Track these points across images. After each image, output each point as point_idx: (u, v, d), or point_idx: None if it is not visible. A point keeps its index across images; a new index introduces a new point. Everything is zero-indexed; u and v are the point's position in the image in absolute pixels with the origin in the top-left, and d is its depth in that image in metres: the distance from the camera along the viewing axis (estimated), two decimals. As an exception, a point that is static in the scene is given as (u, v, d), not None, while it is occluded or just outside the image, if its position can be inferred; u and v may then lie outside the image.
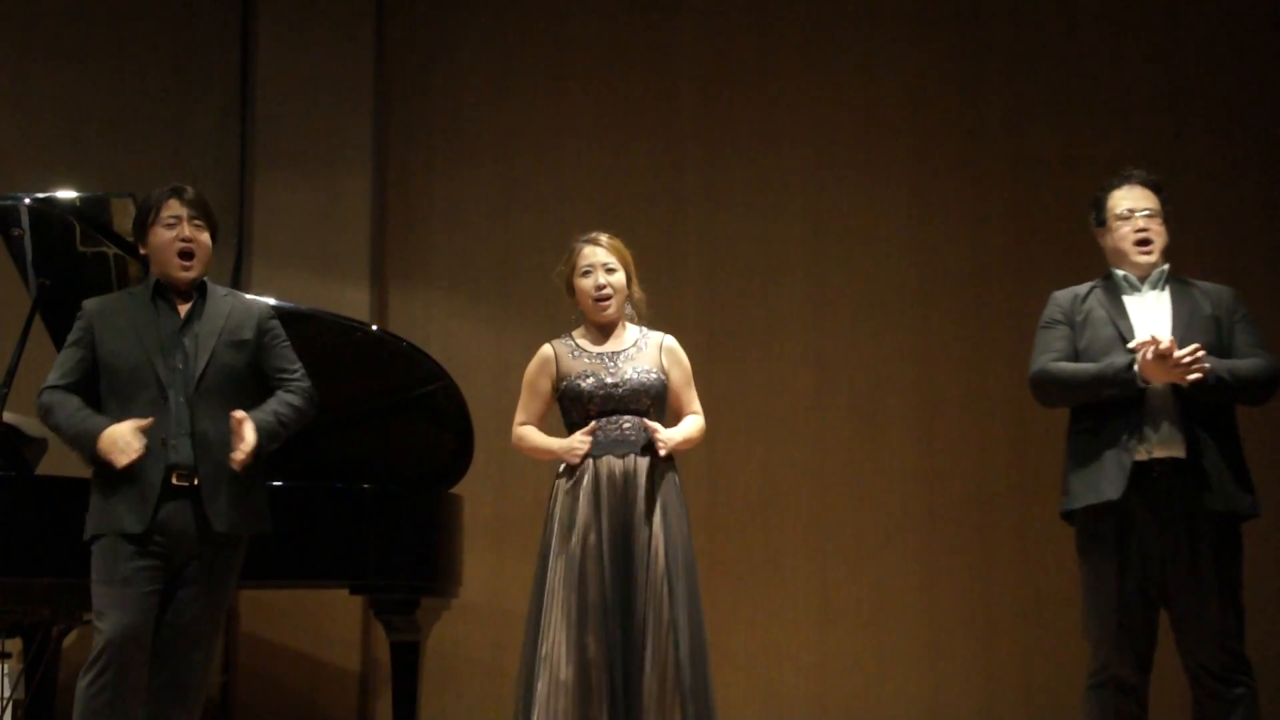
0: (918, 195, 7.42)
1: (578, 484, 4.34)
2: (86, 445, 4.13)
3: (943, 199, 7.41)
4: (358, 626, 6.87)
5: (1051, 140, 7.42)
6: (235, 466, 4.13)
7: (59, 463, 5.50)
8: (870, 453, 7.25)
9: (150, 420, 4.10)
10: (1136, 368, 4.17)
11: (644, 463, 4.34)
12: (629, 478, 4.32)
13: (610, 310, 4.48)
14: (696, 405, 4.55)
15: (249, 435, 4.13)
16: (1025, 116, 7.44)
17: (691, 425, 4.50)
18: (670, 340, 4.55)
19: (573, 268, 4.50)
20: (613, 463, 4.33)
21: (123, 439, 4.06)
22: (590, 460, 4.34)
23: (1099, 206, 4.54)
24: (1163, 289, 4.41)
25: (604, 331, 4.51)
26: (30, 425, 5.51)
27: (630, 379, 4.39)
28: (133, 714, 4.09)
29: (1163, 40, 7.47)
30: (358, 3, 7.39)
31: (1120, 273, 4.46)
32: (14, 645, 5.84)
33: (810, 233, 7.41)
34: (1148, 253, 4.40)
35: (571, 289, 4.53)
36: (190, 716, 4.23)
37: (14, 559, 4.70)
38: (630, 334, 4.52)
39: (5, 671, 5.90)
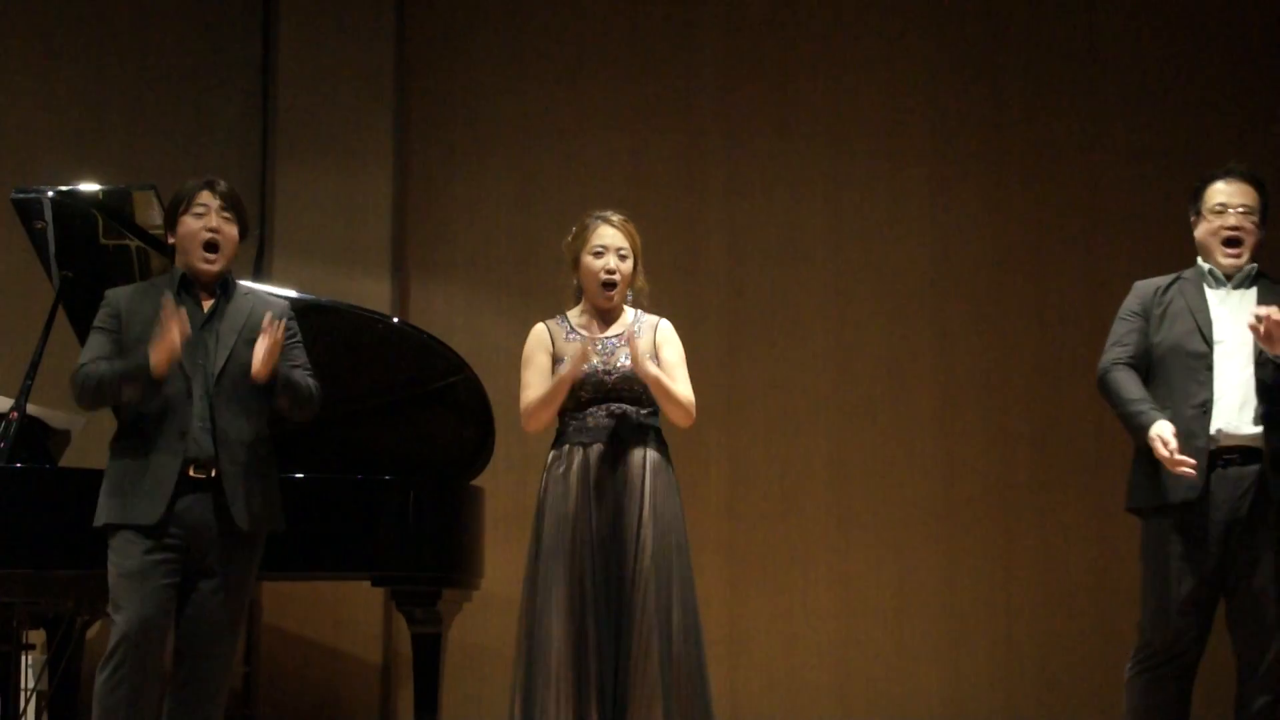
0: (937, 185, 7.40)
1: (568, 471, 4.27)
2: (139, 368, 4.09)
3: (962, 189, 7.39)
4: (379, 618, 6.88)
5: (1070, 130, 7.40)
6: (257, 364, 4.12)
7: (82, 455, 5.52)
8: (891, 443, 7.23)
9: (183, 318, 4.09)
10: (1150, 436, 4.16)
11: (636, 451, 4.29)
12: (619, 465, 4.27)
13: (615, 298, 4.41)
14: (686, 387, 4.38)
15: (279, 334, 4.14)
16: (1044, 106, 7.42)
17: (676, 383, 4.34)
18: (665, 323, 4.46)
19: (583, 243, 4.41)
20: (603, 450, 4.28)
21: (163, 327, 4.04)
22: (581, 447, 4.29)
23: (1196, 196, 4.43)
24: (1249, 287, 4.34)
25: (602, 315, 4.43)
26: (54, 417, 5.53)
27: (622, 366, 4.30)
28: (151, 707, 4.09)
29: (1181, 29, 7.44)
30: (378, -6, 7.41)
31: (1206, 266, 4.39)
32: (38, 637, 5.86)
33: (831, 223, 7.39)
34: (1235, 255, 4.33)
35: (577, 264, 4.45)
36: (214, 711, 4.23)
37: (38, 551, 4.71)
38: (627, 319, 4.43)
39: (29, 663, 5.91)
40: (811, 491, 7.22)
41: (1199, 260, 4.43)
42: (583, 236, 4.43)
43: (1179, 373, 4.28)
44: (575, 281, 4.47)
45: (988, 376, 7.26)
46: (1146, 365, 4.36)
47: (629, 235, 4.42)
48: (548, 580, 4.22)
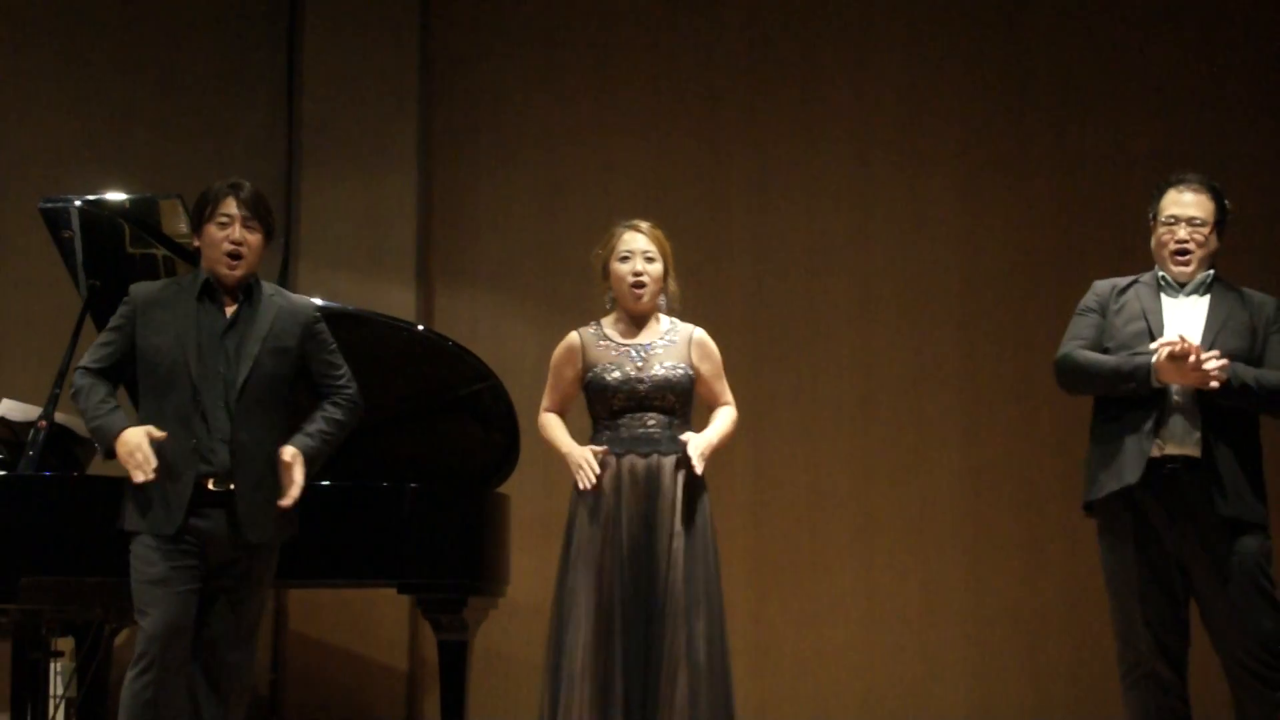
0: (963, 191, 7.38)
1: (600, 481, 4.28)
2: (104, 442, 4.15)
3: (988, 195, 7.38)
4: (406, 625, 6.89)
5: (1096, 136, 7.37)
6: (285, 505, 4.17)
7: (110, 463, 5.53)
8: (917, 450, 7.22)
9: (164, 435, 4.08)
10: (1154, 362, 4.13)
11: (668, 461, 4.29)
12: (651, 477, 4.28)
13: (644, 300, 4.42)
14: (728, 396, 4.49)
15: (298, 477, 4.17)
16: (1070, 112, 7.40)
17: (724, 421, 4.43)
18: (700, 333, 4.48)
19: (611, 251, 4.45)
20: (635, 461, 4.29)
21: (139, 452, 4.04)
22: (614, 457, 4.30)
23: (1154, 202, 4.47)
24: (1203, 294, 4.35)
25: (635, 322, 4.45)
26: (81, 426, 5.55)
27: (656, 374, 4.33)
28: (177, 711, 4.10)
29: (1205, 36, 7.41)
30: (403, 2, 7.41)
31: (1161, 273, 4.41)
32: (66, 644, 5.89)
33: (856, 228, 7.39)
34: (1183, 264, 4.35)
35: (607, 272, 4.48)
36: (233, 718, 4.25)
37: (66, 558, 4.75)
38: (662, 326, 4.46)
39: (58, 670, 5.94)
40: (836, 498, 7.21)
41: (1156, 268, 4.44)
42: (610, 244, 4.47)
43: None
44: (608, 292, 4.50)
45: (1014, 383, 7.24)
46: None
47: (656, 240, 4.46)
48: (575, 589, 4.25)
